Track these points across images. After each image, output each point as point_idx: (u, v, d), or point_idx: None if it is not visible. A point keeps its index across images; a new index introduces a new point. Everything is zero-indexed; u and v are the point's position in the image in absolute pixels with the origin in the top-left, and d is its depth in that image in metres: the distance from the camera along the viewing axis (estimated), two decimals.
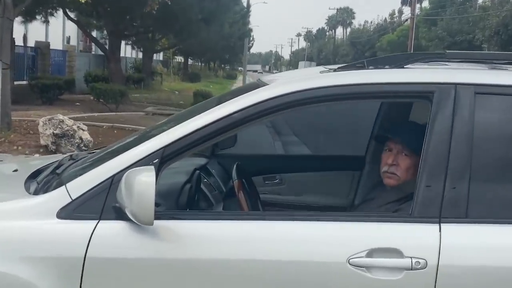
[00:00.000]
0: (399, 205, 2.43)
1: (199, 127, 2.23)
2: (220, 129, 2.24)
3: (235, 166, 2.82)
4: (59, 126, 9.72)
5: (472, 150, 2.17)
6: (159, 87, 30.13)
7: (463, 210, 2.14)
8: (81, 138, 9.82)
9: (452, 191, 2.14)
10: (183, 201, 2.68)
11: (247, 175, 2.89)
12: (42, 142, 9.93)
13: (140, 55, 31.90)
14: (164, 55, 46.87)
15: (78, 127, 9.97)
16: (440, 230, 2.12)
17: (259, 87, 2.39)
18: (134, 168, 2.12)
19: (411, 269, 2.08)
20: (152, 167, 2.09)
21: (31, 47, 21.55)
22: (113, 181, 2.18)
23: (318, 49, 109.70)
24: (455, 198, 2.14)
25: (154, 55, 32.75)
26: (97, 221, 2.16)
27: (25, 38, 24.71)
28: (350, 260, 2.09)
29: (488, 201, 2.19)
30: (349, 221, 2.21)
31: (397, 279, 2.09)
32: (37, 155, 8.98)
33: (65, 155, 3.11)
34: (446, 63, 2.60)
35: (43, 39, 24.85)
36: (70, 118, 11.54)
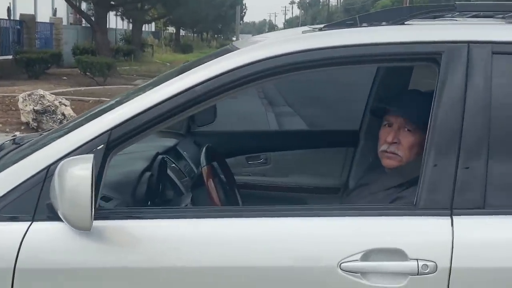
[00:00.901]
0: (400, 192, 2.00)
1: (152, 104, 1.79)
2: (179, 106, 1.80)
3: (204, 149, 2.39)
4: (40, 102, 9.28)
5: (490, 121, 1.75)
6: (150, 59, 29.50)
7: (480, 198, 1.73)
8: (63, 114, 9.38)
9: (466, 174, 1.73)
10: (141, 193, 2.25)
11: (222, 159, 2.46)
12: (23, 119, 9.51)
13: (131, 26, 31.13)
14: (155, 26, 46.02)
15: (60, 102, 9.53)
16: (452, 225, 1.71)
17: (229, 53, 1.96)
18: (70, 158, 1.70)
19: (417, 274, 1.67)
20: (91, 156, 1.67)
21: (15, 20, 20.95)
22: (48, 173, 1.76)
23: (312, 16, 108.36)
24: (469, 182, 1.73)
25: (145, 26, 32.07)
26: (29, 222, 1.74)
27: (9, 10, 24.04)
28: (342, 264, 1.69)
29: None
30: (340, 215, 1.79)
31: (400, 286, 1.68)
32: (17, 133, 8.55)
33: (8, 138, 2.67)
34: (455, 18, 2.16)
35: (32, 11, 24.15)
36: (55, 92, 11.11)
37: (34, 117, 9.20)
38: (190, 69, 1.94)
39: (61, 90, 13.85)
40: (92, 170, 1.60)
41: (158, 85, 1.89)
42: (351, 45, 1.84)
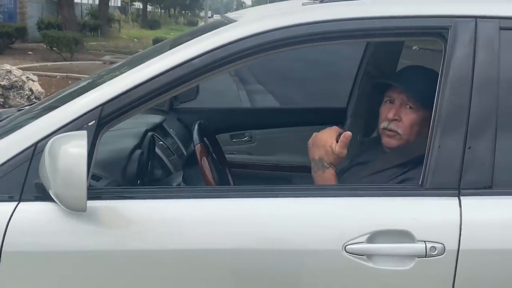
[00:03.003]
0: (403, 172, 1.94)
1: (148, 78, 1.69)
2: (176, 80, 1.71)
3: (196, 125, 2.29)
4: (6, 77, 8.97)
5: (498, 99, 1.70)
6: (117, 35, 28.98)
7: (488, 178, 1.68)
8: (31, 90, 9.11)
9: (473, 153, 1.67)
10: (132, 172, 2.15)
11: (212, 137, 2.36)
12: None
13: (97, 1, 30.44)
14: (122, 1, 45.18)
15: (27, 77, 9.23)
16: (460, 205, 1.66)
17: (225, 25, 1.87)
18: (62, 134, 1.59)
19: (425, 256, 1.63)
20: (85, 132, 1.56)
21: None
22: (36, 150, 1.65)
23: None
24: (477, 161, 1.68)
25: (112, 1, 31.36)
26: (16, 202, 1.64)
27: None
28: (347, 246, 1.63)
29: None
30: (344, 196, 1.73)
31: (406, 269, 1.63)
32: None
33: None
34: None
35: None
36: (21, 68, 10.79)
37: (1, 93, 8.91)
38: (183, 42, 1.84)
39: (27, 65, 13.48)
40: (87, 147, 1.50)
41: (151, 58, 1.79)
42: (356, 18, 1.76)
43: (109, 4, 30.52)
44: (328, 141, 1.97)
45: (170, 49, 1.83)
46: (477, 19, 1.74)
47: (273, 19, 1.78)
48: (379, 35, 1.86)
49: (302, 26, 1.73)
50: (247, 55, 1.71)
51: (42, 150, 1.60)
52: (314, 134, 2.03)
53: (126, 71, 1.78)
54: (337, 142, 1.95)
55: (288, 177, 3.13)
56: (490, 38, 1.73)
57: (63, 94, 2.14)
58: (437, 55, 1.82)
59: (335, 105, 3.37)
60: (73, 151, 1.49)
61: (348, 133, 1.94)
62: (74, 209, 1.55)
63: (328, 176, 1.98)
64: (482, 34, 1.73)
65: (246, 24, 1.80)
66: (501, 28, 1.74)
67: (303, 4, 1.94)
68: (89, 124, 1.66)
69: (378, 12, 1.78)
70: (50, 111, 1.75)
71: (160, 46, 2.27)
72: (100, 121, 1.67)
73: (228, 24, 1.88)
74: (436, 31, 1.76)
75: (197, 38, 1.79)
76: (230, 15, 2.21)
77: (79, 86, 2.15)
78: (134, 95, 1.69)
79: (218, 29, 1.81)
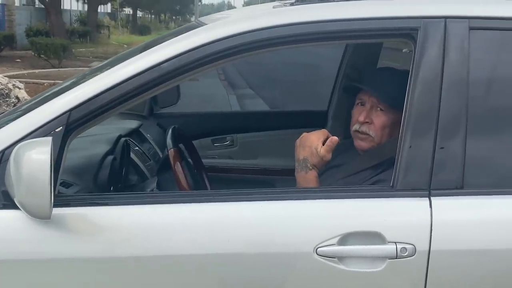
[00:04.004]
0: (375, 174, 1.94)
1: (116, 82, 1.68)
2: (145, 85, 1.69)
3: (170, 130, 2.27)
4: None
5: (468, 100, 1.69)
6: (106, 41, 28.97)
7: (458, 178, 1.67)
8: (17, 97, 9.05)
9: (444, 153, 1.67)
10: (104, 178, 2.13)
11: (188, 142, 2.35)
12: None
13: (86, 7, 30.40)
14: (112, 7, 45.11)
15: (13, 85, 9.18)
16: (430, 206, 1.65)
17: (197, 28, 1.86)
18: (27, 141, 1.57)
19: (396, 258, 1.62)
20: (49, 138, 1.55)
21: None
22: (3, 158, 1.64)
23: None
24: (448, 162, 1.67)
25: (101, 7, 31.31)
26: None
27: None
28: (318, 249, 1.62)
29: (491, 166, 1.73)
30: (315, 198, 1.72)
31: (378, 270, 1.63)
32: None
33: None
34: None
35: None
36: (8, 75, 10.75)
37: None
38: (155, 46, 1.83)
39: (14, 73, 13.46)
40: (51, 153, 1.48)
41: (121, 62, 1.78)
42: (324, 21, 1.76)
43: (99, 10, 30.49)
44: (314, 142, 1.97)
45: (141, 53, 1.82)
46: (447, 19, 1.74)
47: (241, 22, 1.77)
48: (348, 37, 1.86)
49: (270, 29, 1.72)
50: (214, 59, 1.70)
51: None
52: (303, 134, 2.04)
53: (95, 76, 1.76)
54: (323, 145, 1.95)
55: (270, 181, 3.11)
56: (460, 38, 1.73)
57: (33, 101, 2.12)
58: None
59: (322, 108, 3.37)
60: (36, 158, 1.47)
61: (335, 138, 1.94)
62: (38, 217, 1.53)
63: (310, 177, 1.98)
64: (452, 34, 1.73)
65: (213, 28, 1.79)
66: (471, 28, 1.74)
67: (274, 7, 1.93)
68: (56, 130, 1.64)
69: (348, 15, 1.78)
70: (18, 118, 1.74)
71: (132, 51, 2.25)
72: (68, 127, 1.65)
73: (199, 27, 1.87)
74: (405, 32, 1.76)
75: (166, 42, 1.78)
76: (204, 18, 2.21)
77: (49, 93, 2.14)
78: (102, 100, 1.67)
79: (188, 32, 1.80)
